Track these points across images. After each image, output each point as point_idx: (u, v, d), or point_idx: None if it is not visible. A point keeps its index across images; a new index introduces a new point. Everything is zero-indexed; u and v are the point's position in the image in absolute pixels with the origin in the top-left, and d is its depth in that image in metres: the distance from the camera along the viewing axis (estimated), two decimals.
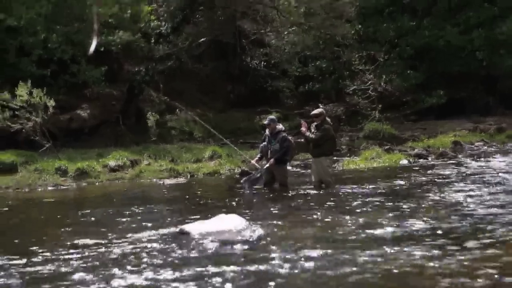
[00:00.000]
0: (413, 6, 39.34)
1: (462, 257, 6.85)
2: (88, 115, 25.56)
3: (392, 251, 7.27)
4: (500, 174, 15.39)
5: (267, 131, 14.92)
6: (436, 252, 7.21)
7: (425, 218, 9.42)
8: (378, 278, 6.27)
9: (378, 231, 8.55)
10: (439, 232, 8.35)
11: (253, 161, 15.57)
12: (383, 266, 6.63)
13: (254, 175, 15.24)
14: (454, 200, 11.30)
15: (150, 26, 28.51)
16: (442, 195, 12.10)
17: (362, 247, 7.55)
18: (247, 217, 9.95)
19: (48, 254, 8.12)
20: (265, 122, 15.17)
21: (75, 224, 10.89)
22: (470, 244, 7.55)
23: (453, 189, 12.96)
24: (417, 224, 8.91)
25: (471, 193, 12.11)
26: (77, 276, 6.88)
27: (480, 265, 6.51)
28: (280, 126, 15.02)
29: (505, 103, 37.69)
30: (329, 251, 7.40)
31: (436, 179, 15.19)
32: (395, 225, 8.95)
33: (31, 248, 8.49)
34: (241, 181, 15.47)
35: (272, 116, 16.01)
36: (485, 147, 25.18)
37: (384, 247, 7.48)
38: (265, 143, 14.84)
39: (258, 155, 15.24)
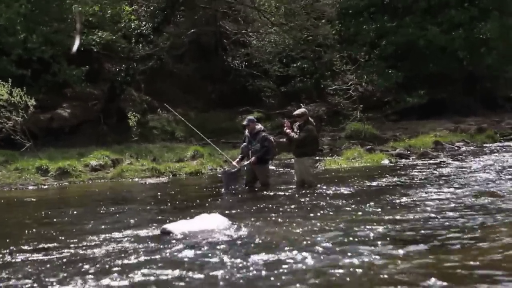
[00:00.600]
0: (393, 5, 39.52)
1: (403, 264, 6.73)
2: (69, 115, 25.49)
3: (336, 257, 7.12)
4: (474, 175, 15.35)
5: (246, 132, 14.91)
6: (377, 258, 7.07)
7: (380, 222, 9.27)
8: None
9: (330, 235, 8.43)
10: (388, 238, 8.17)
11: (234, 162, 15.54)
12: (322, 275, 6.54)
13: (230, 169, 15.35)
14: (419, 203, 11.11)
15: (130, 26, 28.42)
16: (409, 197, 11.94)
17: (308, 252, 7.46)
18: (229, 217, 9.93)
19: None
20: (244, 122, 15.12)
21: (46, 225, 10.71)
22: (417, 248, 7.44)
23: (423, 190, 12.83)
24: (370, 228, 8.73)
25: (438, 195, 11.94)
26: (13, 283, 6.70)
27: (422, 272, 6.42)
28: (259, 126, 14.99)
29: (486, 104, 38.01)
30: (273, 256, 7.32)
31: (410, 180, 15.14)
32: (349, 229, 8.76)
33: None
34: (219, 174, 15.51)
35: (251, 117, 15.97)
36: (466, 147, 25.31)
37: (329, 252, 7.36)
38: (245, 143, 14.82)
39: (239, 156, 15.23)
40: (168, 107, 20.50)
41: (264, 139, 14.56)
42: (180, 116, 20.63)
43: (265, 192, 13.92)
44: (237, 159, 15.30)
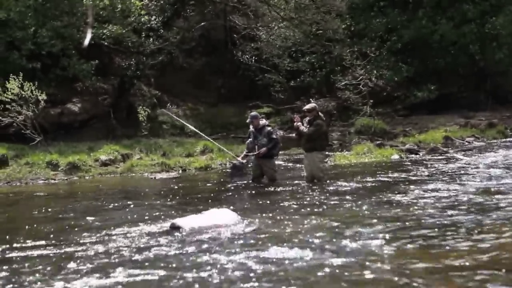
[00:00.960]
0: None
1: (394, 263, 6.68)
2: (79, 109, 25.54)
3: (314, 257, 7.10)
4: (481, 172, 15.16)
5: (251, 127, 14.92)
6: (370, 256, 7.04)
7: (380, 219, 9.20)
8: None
9: (332, 232, 8.39)
10: (385, 235, 8.05)
11: (239, 158, 15.61)
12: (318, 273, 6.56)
13: (238, 162, 15.48)
14: (421, 200, 10.91)
15: (140, 20, 28.43)
16: (413, 194, 11.82)
17: (312, 250, 7.46)
18: (238, 212, 9.94)
19: None
20: (248, 120, 15.10)
21: (54, 220, 10.76)
22: (412, 246, 7.42)
23: (427, 187, 12.64)
24: (359, 228, 8.66)
25: (442, 193, 11.74)
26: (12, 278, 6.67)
27: (413, 271, 6.41)
28: (263, 121, 15.08)
29: (496, 99, 37.83)
30: (276, 253, 7.31)
31: (417, 176, 15.02)
32: (356, 226, 8.72)
33: None
34: (229, 170, 15.62)
35: (253, 113, 15.92)
36: (476, 143, 25.20)
37: (310, 253, 7.29)
38: (251, 139, 14.85)
39: (245, 152, 15.27)
40: (168, 112, 20.63)
41: (271, 133, 14.71)
42: (175, 116, 20.83)
43: (273, 188, 13.96)
44: (242, 155, 15.37)
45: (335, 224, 9.01)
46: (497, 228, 8.36)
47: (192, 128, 18.72)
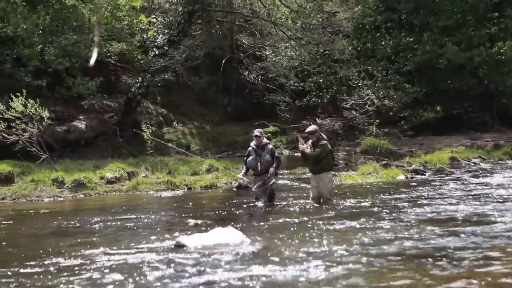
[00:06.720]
0: (410, 21, 39.46)
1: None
2: (86, 127, 25.57)
3: (315, 280, 7.13)
4: (484, 193, 15.03)
5: (252, 145, 14.79)
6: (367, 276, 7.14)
7: (381, 241, 9.26)
8: None
9: (332, 254, 8.43)
10: (385, 256, 8.15)
11: (239, 176, 15.57)
12: None
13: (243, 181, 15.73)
14: (423, 220, 11.07)
15: (147, 38, 28.57)
16: (416, 214, 11.91)
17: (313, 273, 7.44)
18: (243, 231, 9.91)
19: None
20: (257, 134, 14.87)
21: (59, 238, 10.75)
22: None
23: (429, 208, 12.66)
24: (362, 251, 8.64)
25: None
26: None
27: None
28: (265, 139, 15.05)
29: (503, 120, 37.83)
30: (280, 273, 7.42)
31: (421, 197, 14.98)
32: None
33: None
34: (249, 186, 15.48)
35: (259, 129, 15.82)
36: (482, 164, 25.10)
37: (311, 275, 7.31)
38: (252, 157, 14.67)
39: (243, 170, 15.11)
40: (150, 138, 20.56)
41: (274, 151, 14.77)
42: (158, 141, 20.79)
43: (279, 207, 13.91)
44: (242, 173, 15.22)
45: (340, 246, 8.96)
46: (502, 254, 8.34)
47: (189, 153, 18.68)
